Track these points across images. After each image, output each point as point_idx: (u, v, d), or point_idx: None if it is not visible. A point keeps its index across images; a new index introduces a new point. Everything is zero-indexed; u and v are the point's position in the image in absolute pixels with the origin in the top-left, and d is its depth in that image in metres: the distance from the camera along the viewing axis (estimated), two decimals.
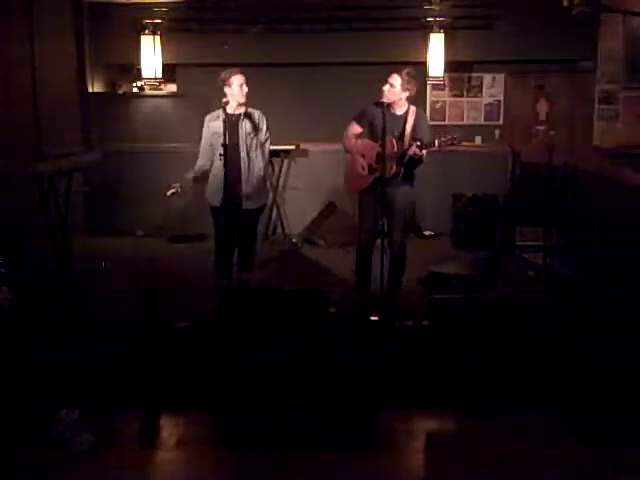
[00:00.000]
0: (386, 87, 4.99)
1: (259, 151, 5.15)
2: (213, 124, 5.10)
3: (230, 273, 5.21)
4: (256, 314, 4.55)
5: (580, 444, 3.80)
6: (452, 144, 4.88)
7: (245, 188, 5.10)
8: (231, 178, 4.94)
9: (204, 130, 5.20)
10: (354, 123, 5.16)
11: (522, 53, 7.52)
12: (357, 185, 5.18)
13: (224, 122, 4.89)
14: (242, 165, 5.08)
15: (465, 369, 4.28)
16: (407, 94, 5.01)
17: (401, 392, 4.26)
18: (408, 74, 4.97)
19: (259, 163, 5.16)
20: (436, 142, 4.86)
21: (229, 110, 5.08)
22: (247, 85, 5.10)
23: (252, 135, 5.10)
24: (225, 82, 5.05)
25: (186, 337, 4.60)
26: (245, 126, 5.08)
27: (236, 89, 5.04)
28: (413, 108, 5.07)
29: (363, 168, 5.10)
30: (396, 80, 4.96)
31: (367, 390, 4.25)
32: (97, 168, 6.82)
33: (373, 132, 5.08)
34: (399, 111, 5.04)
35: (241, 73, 5.09)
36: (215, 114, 5.13)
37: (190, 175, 5.23)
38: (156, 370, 4.33)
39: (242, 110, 5.11)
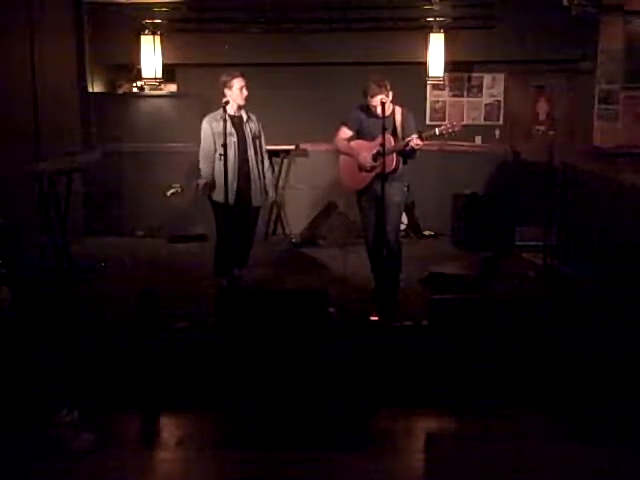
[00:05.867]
0: (386, 100, 4.96)
1: (263, 150, 5.41)
2: (216, 124, 5.16)
3: (231, 271, 5.25)
4: (256, 314, 4.54)
5: (580, 444, 3.81)
6: (452, 131, 4.99)
7: (254, 186, 5.31)
8: (243, 177, 5.20)
9: (205, 132, 5.25)
10: (344, 127, 5.25)
11: (522, 53, 7.52)
12: (356, 184, 5.23)
13: (229, 122, 4.95)
14: (250, 164, 5.29)
15: (465, 369, 4.28)
16: (390, 96, 5.08)
17: (401, 392, 4.26)
18: (381, 80, 4.98)
19: (266, 162, 5.45)
20: (436, 130, 4.99)
21: (230, 111, 5.13)
22: (247, 88, 5.22)
23: (257, 135, 5.32)
24: (226, 84, 5.17)
25: (186, 337, 4.60)
26: (250, 127, 5.28)
27: (236, 92, 5.18)
28: (398, 108, 5.15)
29: (362, 167, 5.14)
30: (384, 91, 4.96)
31: (367, 390, 4.25)
32: (97, 168, 6.82)
33: (362, 134, 5.18)
34: (386, 113, 5.04)
35: (242, 76, 5.21)
36: (216, 115, 5.18)
37: (202, 181, 5.25)
38: (156, 370, 4.33)
39: (243, 112, 5.27)
